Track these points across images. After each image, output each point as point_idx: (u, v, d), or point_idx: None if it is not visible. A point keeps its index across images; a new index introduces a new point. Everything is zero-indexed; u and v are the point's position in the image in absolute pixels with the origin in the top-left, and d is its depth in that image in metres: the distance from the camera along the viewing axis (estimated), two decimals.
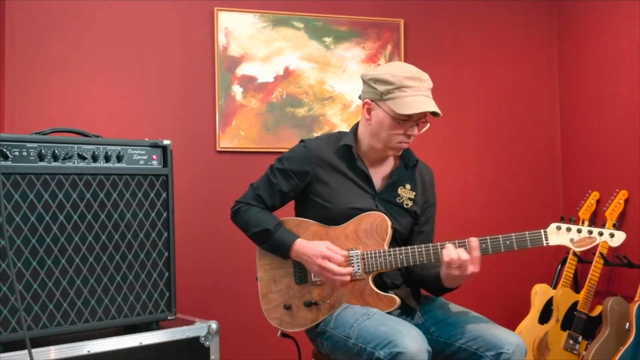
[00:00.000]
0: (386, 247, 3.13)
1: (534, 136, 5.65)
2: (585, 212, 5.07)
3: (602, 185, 5.16)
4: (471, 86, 5.51)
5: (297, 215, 3.36)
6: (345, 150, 3.26)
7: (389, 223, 3.15)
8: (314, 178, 3.24)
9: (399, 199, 3.28)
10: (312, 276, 3.19)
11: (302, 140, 3.34)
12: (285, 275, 3.26)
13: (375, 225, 3.15)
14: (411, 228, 3.36)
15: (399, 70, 3.08)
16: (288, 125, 4.97)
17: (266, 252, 3.30)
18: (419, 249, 3.07)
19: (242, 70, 4.87)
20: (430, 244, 3.07)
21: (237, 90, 4.85)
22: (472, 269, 2.96)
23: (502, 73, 5.60)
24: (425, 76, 3.09)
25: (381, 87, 3.08)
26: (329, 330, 3.08)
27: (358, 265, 3.13)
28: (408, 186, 3.31)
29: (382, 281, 3.21)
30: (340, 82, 5.09)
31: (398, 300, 3.10)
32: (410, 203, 3.30)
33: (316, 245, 3.13)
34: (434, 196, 3.45)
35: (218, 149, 4.81)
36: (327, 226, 3.22)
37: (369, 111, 3.18)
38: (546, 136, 5.68)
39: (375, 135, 3.17)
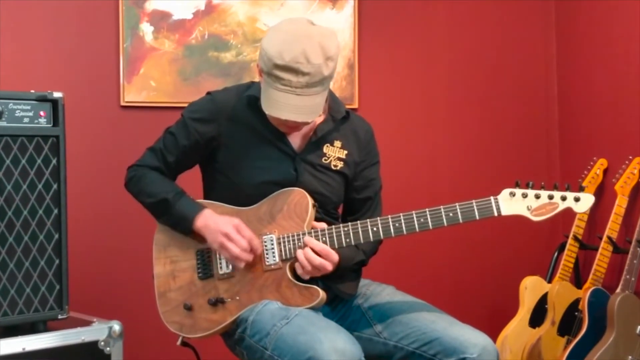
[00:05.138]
0: (306, 229, 3.24)
1: (524, 87, 5.75)
2: (589, 184, 5.10)
3: (611, 151, 5.20)
4: (444, 22, 5.59)
5: (205, 198, 3.49)
6: (254, 103, 3.34)
7: (310, 201, 3.26)
8: (220, 140, 3.36)
9: (325, 159, 3.39)
10: (219, 269, 3.31)
11: (208, 93, 3.47)
12: (186, 270, 3.39)
13: (293, 204, 3.27)
14: (348, 195, 3.49)
15: (276, 50, 3.08)
16: (211, 74, 4.98)
17: (164, 240, 3.43)
18: (345, 229, 3.20)
19: (153, 4, 4.85)
20: (359, 222, 3.19)
21: (146, 29, 4.84)
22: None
23: (484, 5, 5.66)
24: (308, 67, 3.05)
25: (260, 62, 3.18)
26: (246, 339, 3.19)
27: (273, 253, 3.25)
28: (338, 144, 3.42)
29: None
30: (276, 20, 4.93)
31: (322, 293, 3.20)
32: (339, 164, 3.41)
33: (224, 221, 3.25)
34: (374, 155, 3.57)
35: (122, 104, 4.82)
36: (237, 208, 3.34)
37: (260, 74, 3.25)
38: (539, 87, 5.79)
39: None
